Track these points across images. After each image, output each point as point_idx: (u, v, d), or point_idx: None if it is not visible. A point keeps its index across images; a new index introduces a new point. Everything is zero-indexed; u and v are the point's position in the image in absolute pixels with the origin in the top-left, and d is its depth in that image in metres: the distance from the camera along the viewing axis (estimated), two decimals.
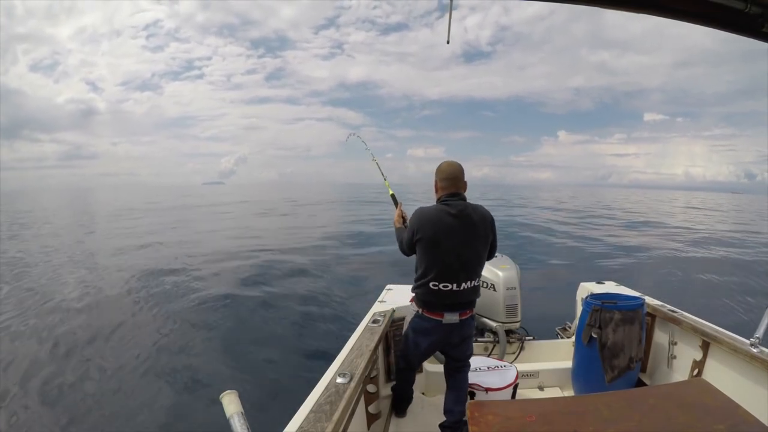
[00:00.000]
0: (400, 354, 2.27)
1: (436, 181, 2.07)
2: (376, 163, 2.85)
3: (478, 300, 2.04)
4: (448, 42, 1.26)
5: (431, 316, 2.00)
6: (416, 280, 2.03)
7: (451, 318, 1.97)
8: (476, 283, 1.99)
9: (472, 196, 1.99)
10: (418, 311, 2.06)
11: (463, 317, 2.00)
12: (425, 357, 2.26)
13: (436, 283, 1.92)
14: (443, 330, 2.01)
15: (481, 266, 2.02)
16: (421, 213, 1.99)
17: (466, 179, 2.04)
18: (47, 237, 14.66)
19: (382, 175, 2.79)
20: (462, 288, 1.93)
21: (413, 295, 2.09)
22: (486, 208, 2.02)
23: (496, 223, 2.04)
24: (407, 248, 2.06)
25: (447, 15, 1.23)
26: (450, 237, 1.90)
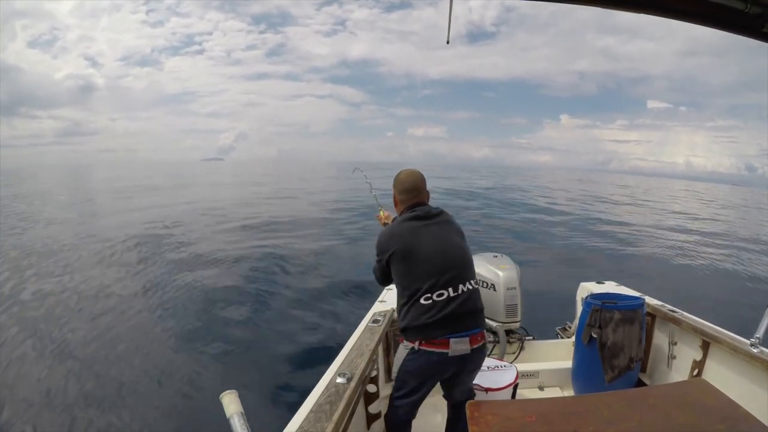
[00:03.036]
0: (392, 404, 1.76)
1: (394, 195, 1.82)
2: (374, 196, 2.79)
3: None
4: (447, 42, 1.25)
5: (433, 349, 1.55)
6: (402, 306, 1.64)
7: (461, 347, 1.54)
8: (475, 285, 1.66)
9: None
10: (412, 347, 1.60)
11: (475, 345, 1.58)
12: (423, 398, 1.75)
13: (429, 295, 1.56)
14: (450, 365, 1.59)
15: (472, 263, 1.72)
16: (385, 230, 1.78)
17: (428, 188, 1.82)
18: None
19: (379, 205, 2.81)
20: (460, 291, 1.58)
21: (401, 335, 1.69)
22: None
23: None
24: (380, 273, 1.77)
25: None
26: (426, 237, 1.64)
